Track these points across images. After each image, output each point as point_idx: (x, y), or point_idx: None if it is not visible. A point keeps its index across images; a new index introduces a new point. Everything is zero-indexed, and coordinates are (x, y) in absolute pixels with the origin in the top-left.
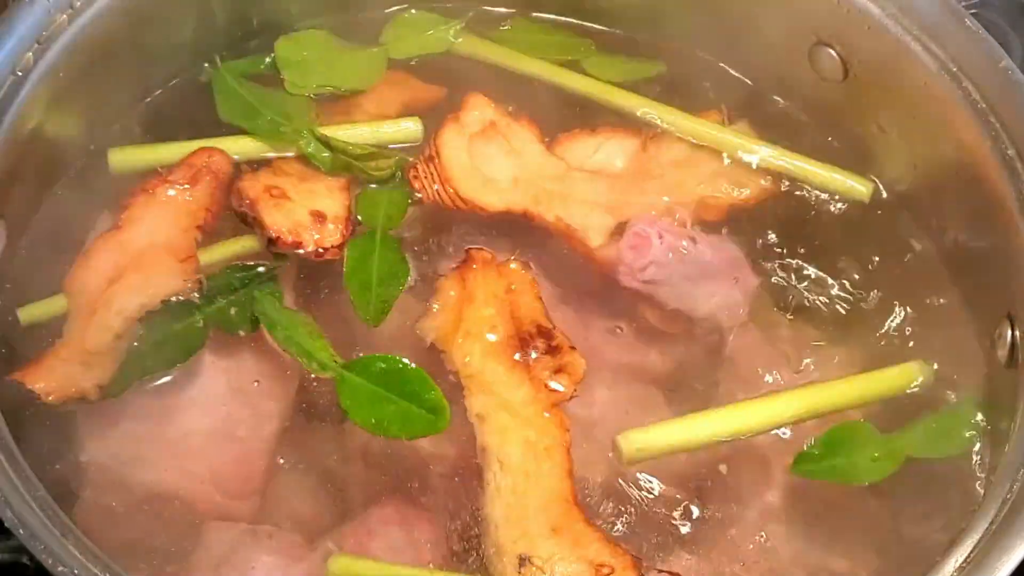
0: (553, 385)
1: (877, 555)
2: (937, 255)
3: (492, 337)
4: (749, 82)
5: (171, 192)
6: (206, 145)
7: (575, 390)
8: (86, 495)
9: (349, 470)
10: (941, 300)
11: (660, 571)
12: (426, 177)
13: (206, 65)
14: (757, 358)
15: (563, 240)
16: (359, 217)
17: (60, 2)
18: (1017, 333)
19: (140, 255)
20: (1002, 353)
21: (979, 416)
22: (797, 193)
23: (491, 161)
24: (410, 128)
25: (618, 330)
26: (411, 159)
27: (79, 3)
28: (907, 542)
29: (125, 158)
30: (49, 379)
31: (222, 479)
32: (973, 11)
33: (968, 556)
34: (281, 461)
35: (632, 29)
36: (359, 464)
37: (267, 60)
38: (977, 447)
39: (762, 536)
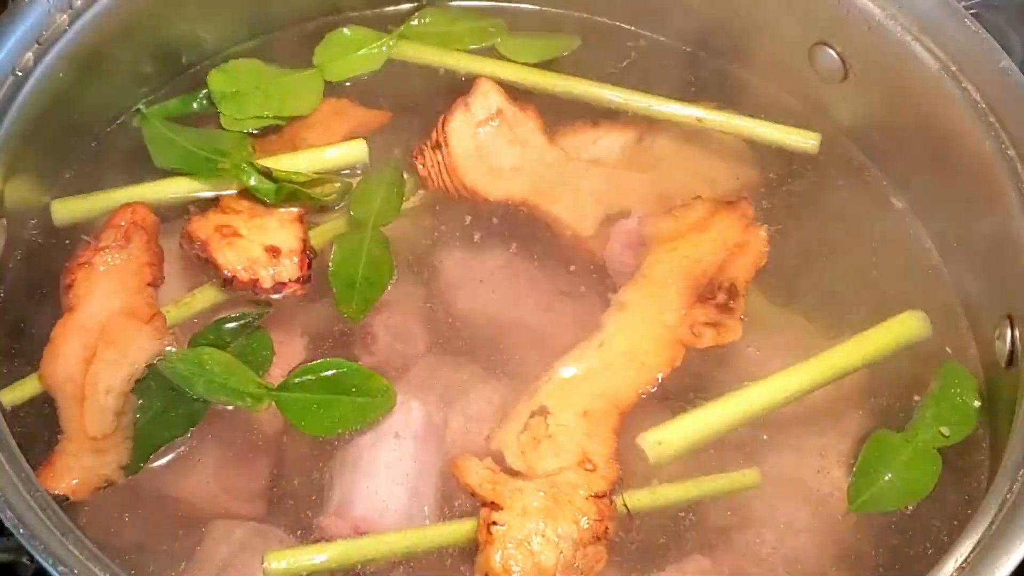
0: (698, 330)
1: (878, 554)
2: (937, 255)
3: (694, 266)
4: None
5: (108, 259)
6: (130, 200)
7: (711, 345)
8: (90, 494)
9: None
10: (940, 300)
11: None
12: (432, 165)
13: (135, 109)
14: (754, 351)
15: (556, 230)
16: (351, 212)
17: (60, 2)
18: (1017, 333)
19: (105, 329)
20: (1002, 353)
21: (969, 376)
22: (786, 187)
23: (495, 149)
24: (355, 151)
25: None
26: (351, 172)
27: (79, 3)
28: (908, 541)
29: (68, 209)
30: (69, 479)
31: (227, 478)
32: (973, 11)
33: (968, 556)
34: (285, 461)
35: (549, 3)
36: None
37: (200, 97)
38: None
39: (765, 539)
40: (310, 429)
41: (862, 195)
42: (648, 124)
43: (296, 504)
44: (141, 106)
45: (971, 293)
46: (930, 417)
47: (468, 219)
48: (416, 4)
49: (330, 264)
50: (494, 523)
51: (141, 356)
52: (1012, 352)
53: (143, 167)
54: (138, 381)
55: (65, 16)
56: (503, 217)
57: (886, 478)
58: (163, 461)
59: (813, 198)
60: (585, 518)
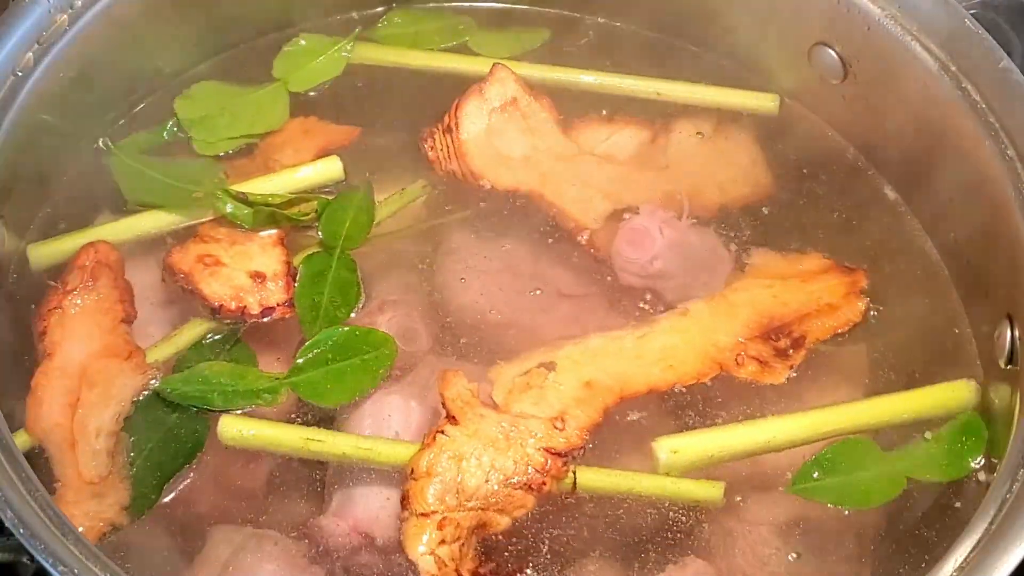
0: (742, 360)
1: (878, 555)
2: (937, 255)
3: (777, 308)
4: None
5: (78, 301)
6: (106, 238)
7: (748, 379)
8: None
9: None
10: (941, 300)
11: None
12: (441, 149)
13: (100, 146)
14: None
15: (560, 221)
16: (320, 234)
17: (60, 2)
18: (1017, 333)
19: (85, 371)
20: (1002, 353)
21: (984, 436)
22: (786, 184)
23: (507, 137)
24: (329, 168)
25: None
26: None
27: (79, 3)
28: (907, 542)
29: (44, 252)
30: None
31: (227, 482)
32: (973, 11)
33: (968, 556)
34: (282, 462)
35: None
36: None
37: (169, 126)
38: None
39: (767, 540)
40: (331, 401)
41: (861, 195)
42: (664, 124)
43: (295, 506)
44: (108, 142)
45: (971, 293)
46: (924, 450)
47: (471, 219)
48: (367, 11)
49: (295, 285)
50: (442, 432)
51: (126, 393)
52: (1012, 352)
53: (117, 199)
54: (126, 419)
55: (65, 16)
56: (507, 216)
57: (838, 477)
58: None
59: (812, 197)
60: (528, 465)
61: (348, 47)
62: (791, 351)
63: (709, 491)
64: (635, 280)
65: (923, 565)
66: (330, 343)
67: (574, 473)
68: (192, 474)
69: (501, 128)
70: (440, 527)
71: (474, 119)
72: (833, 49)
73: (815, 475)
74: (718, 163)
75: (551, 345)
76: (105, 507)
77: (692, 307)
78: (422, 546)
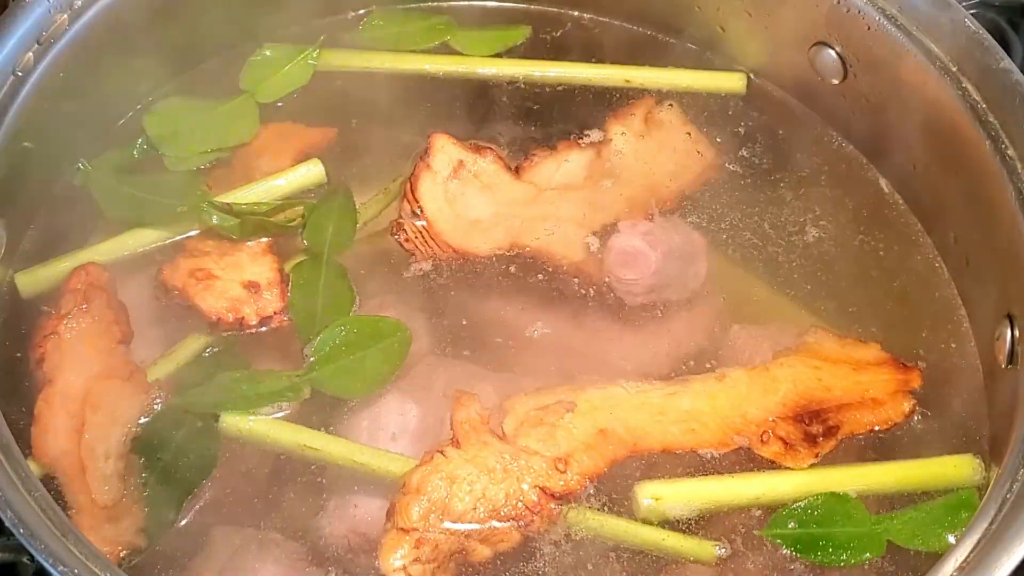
0: (768, 438)
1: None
2: (937, 254)
3: (819, 392)
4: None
5: (73, 325)
6: (94, 259)
7: (768, 458)
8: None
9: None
10: (941, 300)
11: None
12: (415, 236)
13: (78, 167)
14: (746, 346)
15: (552, 264)
16: (305, 242)
17: (60, 2)
18: (1017, 333)
19: (87, 395)
20: (1002, 353)
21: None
22: (779, 185)
23: (469, 202)
24: (311, 172)
25: (620, 340)
26: (299, 209)
27: (79, 3)
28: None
29: (33, 279)
30: None
31: (225, 482)
32: (973, 11)
33: (968, 556)
34: (283, 464)
35: None
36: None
37: (139, 144)
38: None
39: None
40: (353, 393)
41: (861, 194)
42: (602, 136)
43: (295, 507)
44: (84, 162)
45: (971, 293)
46: (912, 517)
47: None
48: (337, 17)
49: (288, 295)
50: (442, 452)
51: (131, 414)
52: (1012, 352)
53: (100, 220)
54: (134, 440)
55: (65, 16)
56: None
57: (815, 530)
58: None
59: (811, 197)
60: (520, 501)
61: (314, 55)
62: (821, 439)
63: (700, 551)
64: (642, 299)
65: (923, 565)
66: (342, 335)
67: (564, 515)
68: None
69: (460, 194)
70: (418, 545)
71: (433, 195)
72: (833, 49)
73: (790, 525)
74: (662, 152)
75: (575, 385)
76: (122, 530)
77: (731, 374)
78: (395, 560)
